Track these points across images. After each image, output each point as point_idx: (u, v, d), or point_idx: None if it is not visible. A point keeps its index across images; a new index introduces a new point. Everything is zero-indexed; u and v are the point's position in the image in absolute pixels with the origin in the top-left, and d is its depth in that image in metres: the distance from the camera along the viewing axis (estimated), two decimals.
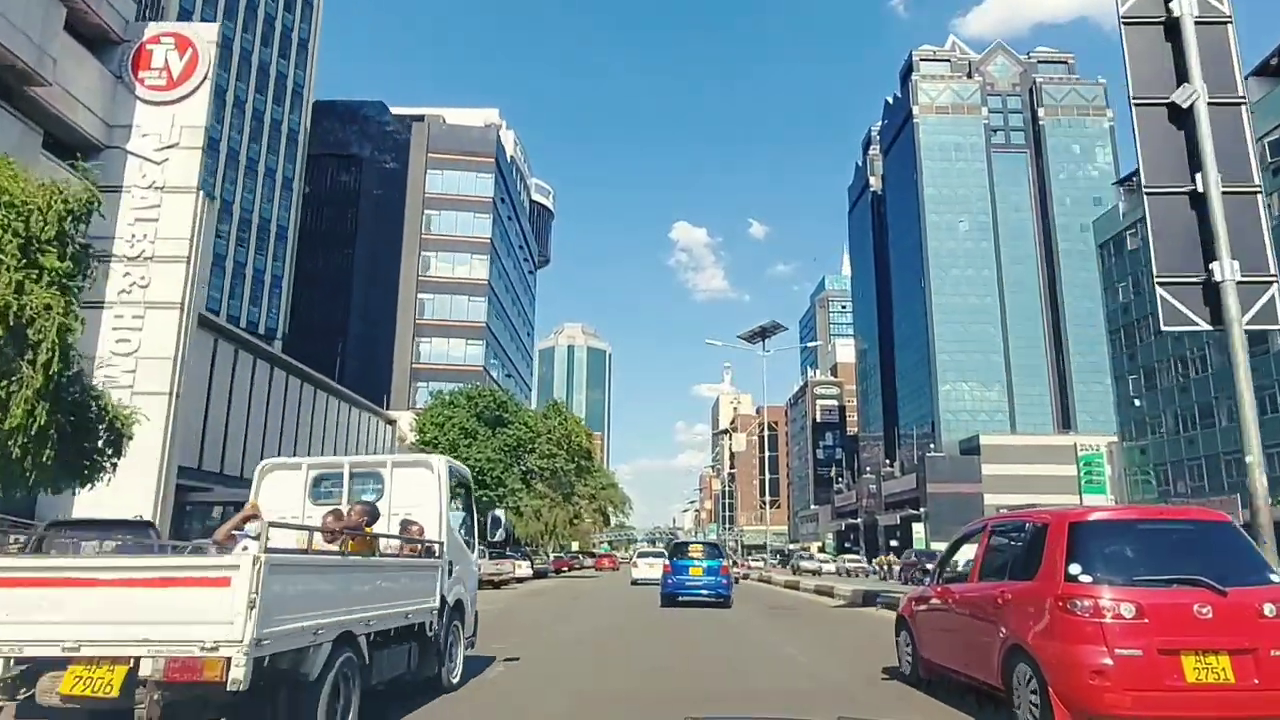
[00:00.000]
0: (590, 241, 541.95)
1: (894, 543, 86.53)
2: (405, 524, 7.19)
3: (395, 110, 72.65)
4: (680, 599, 19.72)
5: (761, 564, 69.66)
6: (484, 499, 38.59)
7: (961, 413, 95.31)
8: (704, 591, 19.78)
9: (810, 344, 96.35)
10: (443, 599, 7.24)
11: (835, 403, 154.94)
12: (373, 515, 6.52)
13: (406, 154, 70.41)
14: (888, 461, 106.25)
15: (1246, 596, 5.35)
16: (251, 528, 5.27)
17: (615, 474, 75.59)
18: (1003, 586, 6.38)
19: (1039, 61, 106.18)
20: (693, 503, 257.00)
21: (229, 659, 3.86)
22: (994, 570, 6.84)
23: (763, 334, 49.73)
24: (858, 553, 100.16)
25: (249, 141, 50.50)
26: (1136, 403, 56.67)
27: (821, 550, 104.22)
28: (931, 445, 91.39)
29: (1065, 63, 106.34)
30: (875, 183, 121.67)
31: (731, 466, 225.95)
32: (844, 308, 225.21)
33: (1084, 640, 5.31)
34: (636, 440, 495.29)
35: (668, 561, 21.45)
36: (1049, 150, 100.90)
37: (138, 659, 3.93)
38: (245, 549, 4.69)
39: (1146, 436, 56.63)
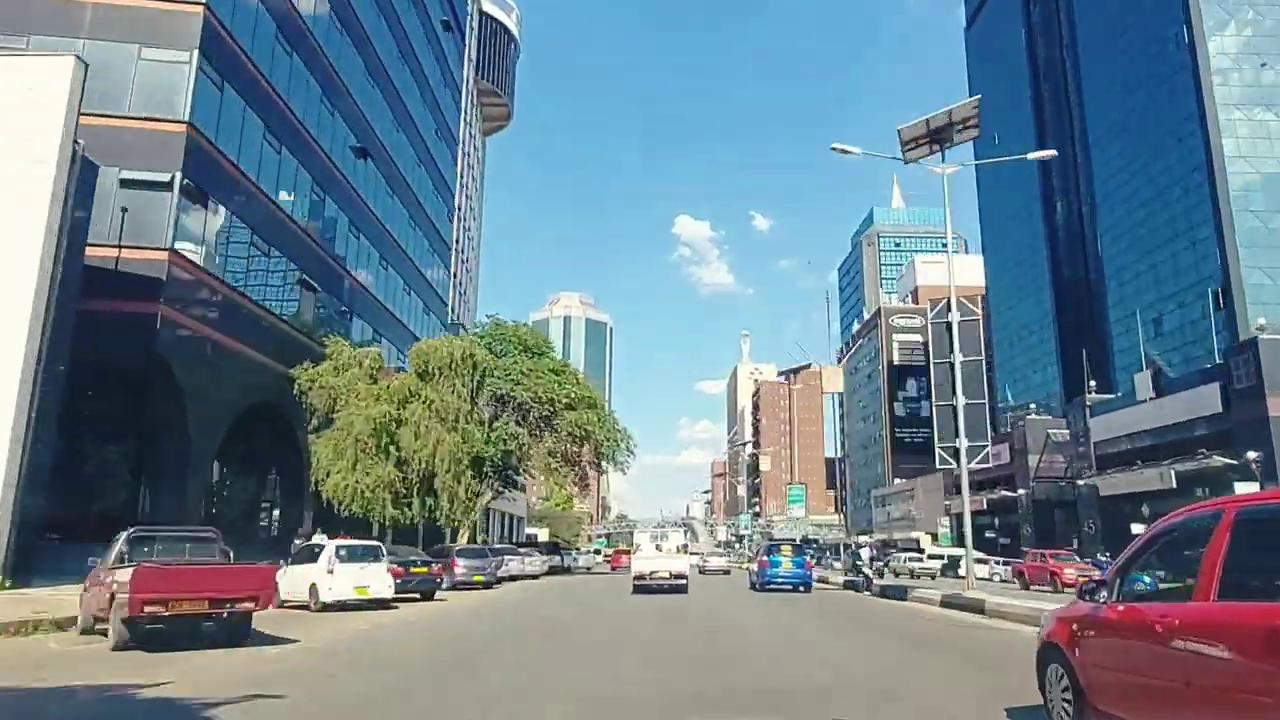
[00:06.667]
0: (590, 238, 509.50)
1: (1138, 527, 40.69)
2: (680, 547, 26.38)
3: None
4: (771, 586, 26.73)
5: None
6: None
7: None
8: (793, 581, 26.72)
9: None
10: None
11: (920, 338, 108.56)
12: (683, 546, 26.73)
13: None
14: (1093, 385, 60.57)
15: None
16: (640, 549, 26.32)
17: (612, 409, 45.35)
18: None
19: None
20: (706, 492, 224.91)
21: (686, 573, 25.40)
22: (1254, 584, 4.11)
23: (934, 139, 24.11)
24: (1005, 546, 55.91)
25: None
26: None
27: (935, 542, 59.75)
28: (1251, 328, 46.31)
29: None
30: None
31: (755, 445, 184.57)
32: (897, 245, 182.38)
33: None
34: (639, 436, 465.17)
35: (764, 558, 28.35)
36: None
37: (670, 571, 24.89)
38: (642, 552, 26.27)
39: None
